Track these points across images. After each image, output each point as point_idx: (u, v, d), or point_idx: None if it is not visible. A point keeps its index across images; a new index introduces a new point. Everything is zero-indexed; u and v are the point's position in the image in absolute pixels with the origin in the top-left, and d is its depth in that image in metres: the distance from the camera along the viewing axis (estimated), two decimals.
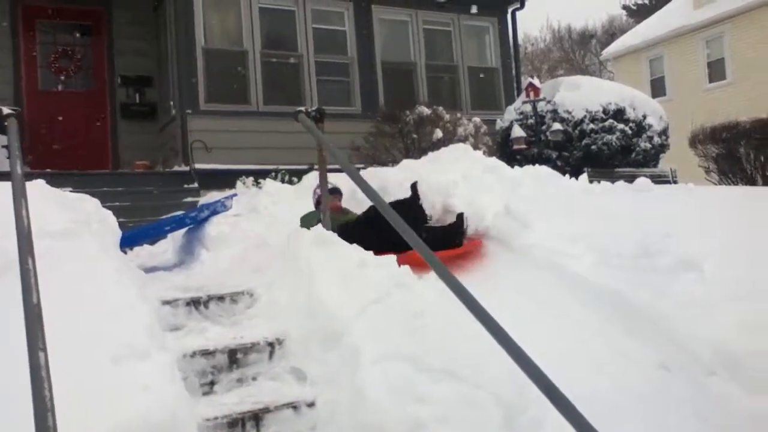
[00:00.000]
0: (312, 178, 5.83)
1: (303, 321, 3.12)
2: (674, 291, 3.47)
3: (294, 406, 2.75)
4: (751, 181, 8.38)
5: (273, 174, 7.15)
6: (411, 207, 4.31)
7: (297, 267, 3.42)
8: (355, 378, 2.68)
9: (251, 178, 7.03)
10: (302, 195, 5.29)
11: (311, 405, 2.77)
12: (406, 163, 5.88)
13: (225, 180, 7.31)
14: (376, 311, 3.00)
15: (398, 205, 4.26)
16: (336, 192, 5.09)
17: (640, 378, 3.27)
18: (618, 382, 3.20)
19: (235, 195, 5.40)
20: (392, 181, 5.10)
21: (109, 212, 3.91)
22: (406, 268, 3.41)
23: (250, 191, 6.60)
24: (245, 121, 8.54)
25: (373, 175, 5.25)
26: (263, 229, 4.46)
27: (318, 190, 5.01)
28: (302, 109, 4.09)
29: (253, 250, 4.09)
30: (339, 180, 4.71)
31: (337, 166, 4.29)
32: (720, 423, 2.87)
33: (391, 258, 3.48)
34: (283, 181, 6.78)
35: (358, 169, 6.26)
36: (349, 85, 9.53)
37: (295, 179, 6.82)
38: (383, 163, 7.26)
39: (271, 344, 3.12)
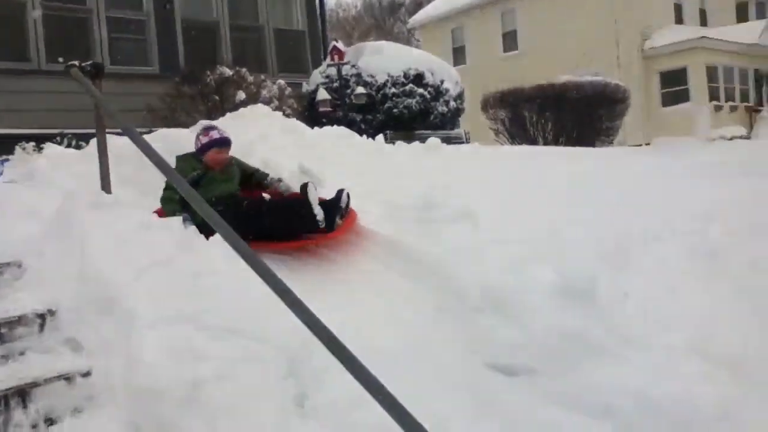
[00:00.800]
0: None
1: (77, 289, 2.93)
2: (451, 239, 3.77)
3: (67, 378, 2.59)
4: (533, 142, 9.25)
5: (58, 138, 6.57)
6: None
7: (71, 233, 3.19)
8: (131, 343, 2.58)
9: (32, 143, 6.39)
10: (88, 160, 4.91)
11: (86, 375, 2.63)
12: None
13: (1, 146, 6.58)
14: (156, 274, 2.90)
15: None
16: (225, 144, 4.31)
17: (423, 321, 3.52)
18: (401, 327, 3.42)
19: (6, 160, 4.88)
20: (186, 142, 4.90)
21: None
22: (193, 228, 3.33)
23: (31, 157, 6.00)
24: (25, 80, 7.72)
25: (164, 137, 5.01)
26: (39, 196, 4.09)
27: (202, 137, 4.32)
28: (75, 62, 3.74)
29: (25, 217, 3.74)
30: (122, 142, 4.40)
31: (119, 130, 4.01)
32: (487, 352, 3.19)
33: (178, 219, 3.37)
34: (69, 146, 6.25)
35: (150, 132, 5.95)
36: (146, 44, 8.97)
37: (83, 143, 6.31)
38: (183, 125, 6.96)
39: (41, 316, 2.89)
